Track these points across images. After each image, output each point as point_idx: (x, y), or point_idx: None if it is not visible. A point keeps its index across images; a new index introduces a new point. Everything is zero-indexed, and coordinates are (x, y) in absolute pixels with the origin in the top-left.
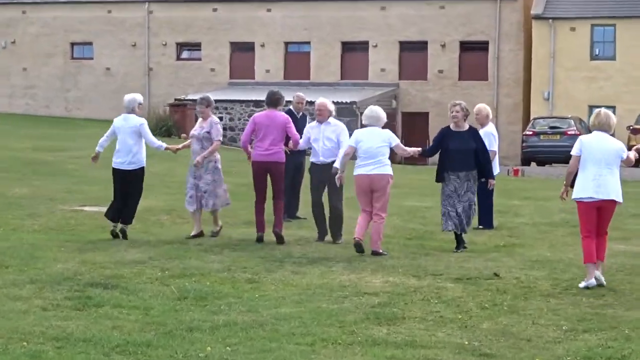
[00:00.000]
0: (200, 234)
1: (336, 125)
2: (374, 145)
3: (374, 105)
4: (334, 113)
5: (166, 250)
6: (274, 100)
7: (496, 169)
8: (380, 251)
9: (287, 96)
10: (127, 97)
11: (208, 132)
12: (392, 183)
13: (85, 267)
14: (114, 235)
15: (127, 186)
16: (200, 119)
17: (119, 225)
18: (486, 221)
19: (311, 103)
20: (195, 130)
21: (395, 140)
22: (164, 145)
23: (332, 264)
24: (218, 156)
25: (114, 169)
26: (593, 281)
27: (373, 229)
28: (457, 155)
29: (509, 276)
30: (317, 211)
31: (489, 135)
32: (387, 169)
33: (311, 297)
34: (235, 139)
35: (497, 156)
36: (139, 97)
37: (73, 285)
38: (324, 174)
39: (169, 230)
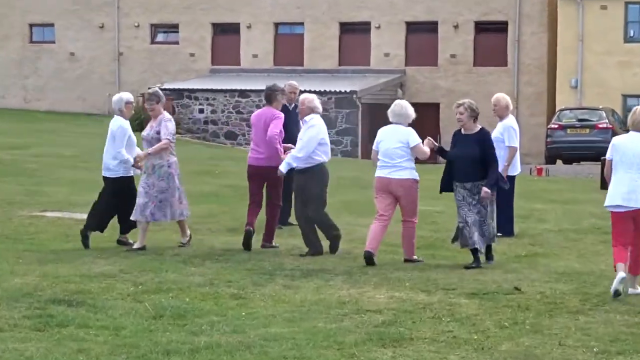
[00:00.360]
0: (142, 248)
1: (312, 125)
2: (391, 146)
3: (402, 100)
4: (318, 110)
5: (139, 261)
6: (266, 96)
7: (517, 168)
8: (415, 258)
9: (278, 84)
10: (114, 96)
11: (158, 132)
12: (417, 187)
13: (47, 281)
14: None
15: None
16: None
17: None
18: (505, 228)
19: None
20: (145, 132)
21: (415, 141)
22: (131, 160)
23: (330, 276)
24: (173, 159)
25: None
26: (622, 274)
27: (405, 236)
28: (458, 163)
29: (532, 290)
30: (300, 224)
31: (509, 129)
32: (408, 172)
33: (305, 315)
34: (218, 134)
35: (518, 153)
36: (125, 96)
37: (33, 302)
38: (295, 182)
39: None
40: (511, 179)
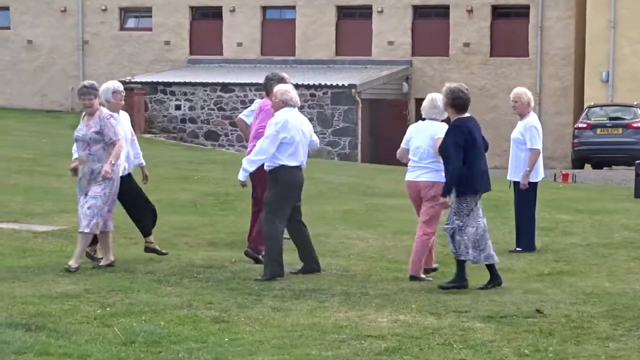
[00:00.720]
0: (111, 264)
1: (273, 123)
2: (422, 145)
3: (435, 93)
4: (292, 102)
5: (107, 279)
6: (264, 85)
7: (539, 173)
8: (422, 276)
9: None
10: (102, 85)
11: (98, 133)
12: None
13: (2, 303)
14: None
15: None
16: (85, 116)
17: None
18: (525, 242)
19: (297, 86)
20: (79, 132)
21: (440, 133)
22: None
23: (325, 297)
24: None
25: None
26: None
27: (414, 247)
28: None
29: (556, 313)
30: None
31: (531, 128)
32: (436, 175)
33: (297, 341)
34: (198, 134)
35: (540, 157)
36: (112, 85)
37: None
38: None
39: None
40: (533, 185)
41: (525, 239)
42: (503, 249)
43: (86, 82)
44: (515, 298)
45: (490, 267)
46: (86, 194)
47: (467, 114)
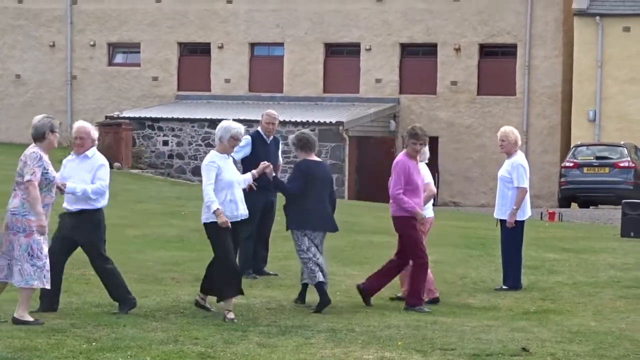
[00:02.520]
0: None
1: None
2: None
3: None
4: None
5: (93, 314)
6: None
7: (526, 212)
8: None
9: (253, 114)
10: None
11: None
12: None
13: None
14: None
15: None
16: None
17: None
18: (512, 280)
19: (285, 123)
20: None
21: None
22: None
23: (311, 333)
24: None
25: None
26: None
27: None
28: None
29: (542, 352)
30: None
31: (518, 167)
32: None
33: None
34: (185, 170)
35: (527, 195)
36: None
37: None
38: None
39: (97, 287)
40: (520, 224)
41: (511, 277)
42: (489, 287)
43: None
44: (501, 336)
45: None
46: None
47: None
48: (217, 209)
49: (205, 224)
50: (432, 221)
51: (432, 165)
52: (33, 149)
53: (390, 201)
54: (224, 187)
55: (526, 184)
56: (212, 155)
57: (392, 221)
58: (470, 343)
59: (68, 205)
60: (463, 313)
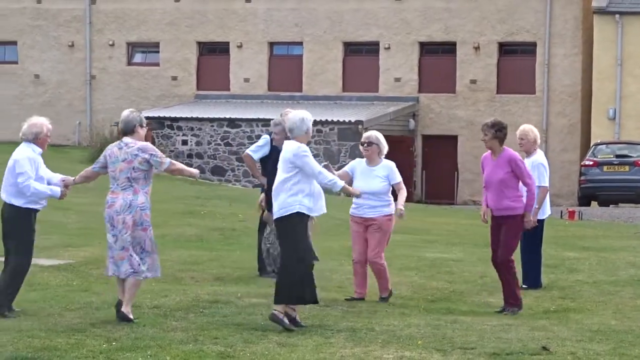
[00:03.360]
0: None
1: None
2: None
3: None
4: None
5: (113, 314)
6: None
7: (546, 210)
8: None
9: (272, 113)
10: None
11: None
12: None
13: (8, 336)
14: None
15: None
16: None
17: None
18: (532, 278)
19: None
20: None
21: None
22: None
23: (331, 333)
24: None
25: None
26: None
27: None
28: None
29: (562, 350)
30: None
31: (538, 166)
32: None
33: None
34: (204, 169)
35: (548, 194)
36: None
37: None
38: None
39: (116, 287)
40: (540, 222)
41: (531, 275)
42: (494, 286)
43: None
44: (521, 335)
45: None
46: None
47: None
48: (344, 185)
49: (283, 217)
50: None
51: (451, 163)
52: (132, 141)
53: None
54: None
55: (547, 183)
56: (304, 145)
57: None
58: (490, 342)
59: None
60: (483, 312)
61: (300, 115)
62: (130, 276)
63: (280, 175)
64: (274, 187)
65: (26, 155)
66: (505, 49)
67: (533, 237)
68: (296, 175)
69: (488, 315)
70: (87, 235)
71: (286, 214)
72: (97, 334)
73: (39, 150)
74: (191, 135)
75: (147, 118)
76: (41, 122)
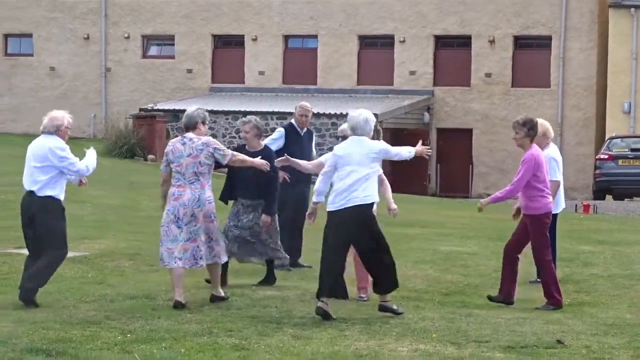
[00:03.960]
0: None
1: None
2: None
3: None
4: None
5: (128, 306)
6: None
7: (560, 204)
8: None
9: (287, 106)
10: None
11: None
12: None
13: (23, 328)
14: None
15: None
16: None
17: None
18: None
19: (318, 115)
20: None
21: None
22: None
23: (345, 326)
24: None
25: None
26: None
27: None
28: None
29: (577, 344)
30: None
31: (550, 160)
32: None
33: None
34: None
35: (561, 188)
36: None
37: (7, 352)
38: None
39: (131, 280)
40: (553, 217)
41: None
42: (524, 279)
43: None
44: (536, 328)
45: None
46: None
47: None
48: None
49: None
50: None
51: (466, 156)
52: (195, 136)
53: None
54: None
55: (559, 177)
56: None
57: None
58: (505, 335)
59: None
60: (497, 305)
61: (363, 116)
62: (191, 267)
63: (360, 171)
64: (346, 183)
65: (55, 143)
66: (521, 43)
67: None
68: (376, 170)
69: (502, 308)
70: (103, 228)
71: (370, 201)
72: (111, 326)
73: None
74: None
75: (162, 111)
76: (62, 115)
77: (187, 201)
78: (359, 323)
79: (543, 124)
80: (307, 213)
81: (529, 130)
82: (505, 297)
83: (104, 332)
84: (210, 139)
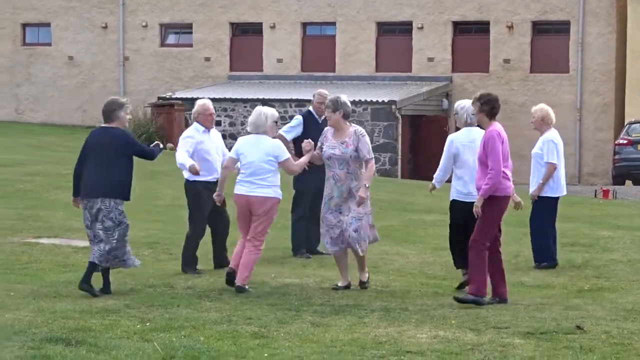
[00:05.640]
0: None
1: None
2: (255, 160)
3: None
4: None
5: (147, 295)
6: None
7: (560, 189)
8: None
9: (305, 94)
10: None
11: (356, 150)
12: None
13: (42, 317)
14: None
15: None
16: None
17: None
18: (547, 256)
19: None
20: (333, 149)
21: (285, 155)
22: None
23: (365, 313)
24: None
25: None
26: None
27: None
28: None
29: (597, 330)
30: None
31: (548, 142)
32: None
33: (337, 356)
34: None
35: (562, 172)
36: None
37: (26, 341)
38: None
39: (150, 269)
40: (551, 201)
41: (546, 254)
42: (529, 267)
43: (331, 96)
44: (555, 314)
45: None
46: (340, 212)
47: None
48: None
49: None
50: None
51: None
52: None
53: None
54: None
55: (555, 160)
56: None
57: None
58: (524, 321)
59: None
60: (517, 291)
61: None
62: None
63: (477, 162)
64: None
65: (185, 134)
66: (539, 28)
67: (542, 215)
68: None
69: (522, 294)
70: None
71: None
72: (131, 315)
73: (202, 128)
74: (224, 116)
75: (180, 99)
76: (199, 102)
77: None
78: (378, 310)
79: (542, 108)
80: None
81: (482, 105)
82: (496, 295)
83: (123, 321)
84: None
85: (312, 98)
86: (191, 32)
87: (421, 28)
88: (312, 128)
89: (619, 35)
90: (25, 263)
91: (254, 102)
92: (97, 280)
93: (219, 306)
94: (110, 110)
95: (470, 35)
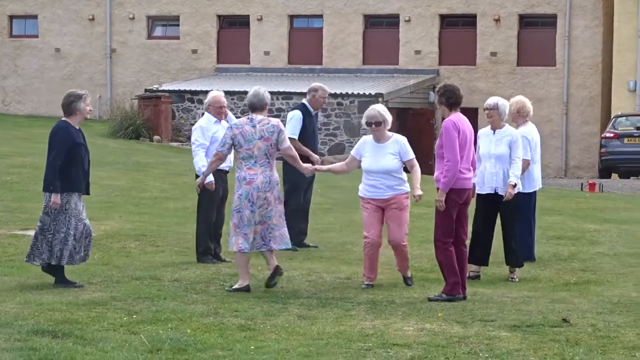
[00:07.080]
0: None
1: None
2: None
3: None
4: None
5: (134, 287)
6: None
7: (534, 183)
8: None
9: (292, 86)
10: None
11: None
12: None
13: (29, 310)
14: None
15: None
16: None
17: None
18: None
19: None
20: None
21: None
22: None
23: (351, 305)
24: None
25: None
26: None
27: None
28: None
29: (582, 323)
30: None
31: (523, 138)
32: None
33: (323, 349)
34: None
35: (537, 166)
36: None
37: (12, 333)
38: None
39: (137, 261)
40: (530, 195)
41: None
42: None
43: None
44: (541, 307)
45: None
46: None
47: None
48: None
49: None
50: None
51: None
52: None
53: None
54: None
55: (528, 156)
56: None
57: None
58: (511, 314)
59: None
60: (503, 285)
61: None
62: (259, 249)
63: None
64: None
65: (199, 124)
66: (526, 21)
67: (522, 211)
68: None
69: (508, 287)
70: (108, 209)
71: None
72: (117, 307)
73: (214, 119)
74: None
75: (167, 92)
76: (211, 94)
77: (260, 184)
78: (365, 303)
79: (518, 100)
80: None
81: (439, 96)
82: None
83: (110, 313)
84: (278, 120)
85: (304, 91)
86: (178, 25)
87: (408, 21)
88: (308, 121)
89: (605, 29)
90: (12, 255)
91: (242, 95)
92: (78, 273)
93: (206, 299)
94: (69, 103)
95: (458, 28)
